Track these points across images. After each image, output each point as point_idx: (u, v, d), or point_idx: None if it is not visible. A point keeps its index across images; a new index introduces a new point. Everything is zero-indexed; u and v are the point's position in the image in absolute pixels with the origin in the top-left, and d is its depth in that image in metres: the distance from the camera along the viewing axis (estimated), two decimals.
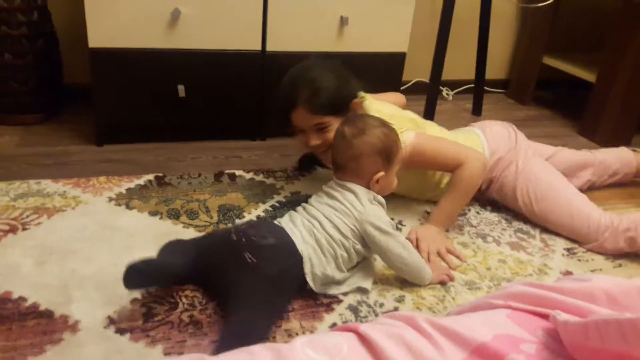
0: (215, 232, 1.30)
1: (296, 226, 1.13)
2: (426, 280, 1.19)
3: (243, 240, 1.05)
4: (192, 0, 1.62)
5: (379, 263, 1.25)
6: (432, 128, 1.53)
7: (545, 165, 1.52)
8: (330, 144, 1.27)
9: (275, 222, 1.18)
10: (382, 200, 1.20)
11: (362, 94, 1.42)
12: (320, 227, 1.13)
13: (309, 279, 1.09)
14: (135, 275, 0.99)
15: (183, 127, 1.83)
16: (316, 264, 1.10)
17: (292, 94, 1.33)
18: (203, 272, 1.09)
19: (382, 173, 1.18)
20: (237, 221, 1.38)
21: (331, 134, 1.28)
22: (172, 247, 1.10)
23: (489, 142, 1.53)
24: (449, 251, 1.32)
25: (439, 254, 1.30)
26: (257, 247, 1.05)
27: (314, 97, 1.31)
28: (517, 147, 1.53)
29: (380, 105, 1.41)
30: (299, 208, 1.22)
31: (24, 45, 1.72)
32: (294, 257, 1.08)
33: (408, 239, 1.30)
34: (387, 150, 1.18)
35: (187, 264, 1.08)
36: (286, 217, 1.19)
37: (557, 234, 1.46)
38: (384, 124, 1.21)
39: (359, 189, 1.17)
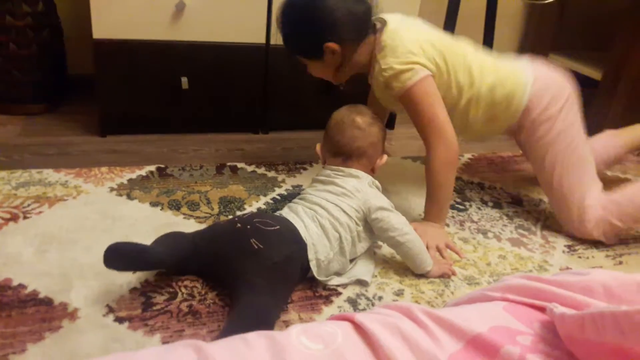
0: (218, 222, 1.30)
1: (298, 215, 1.15)
2: (427, 267, 1.19)
3: (248, 227, 1.07)
4: None
5: (379, 257, 1.25)
6: (464, 50, 1.41)
7: (586, 141, 1.43)
8: (317, 76, 1.43)
9: (276, 213, 1.19)
10: (379, 185, 1.26)
11: (382, 16, 1.38)
12: (324, 211, 1.15)
13: (312, 265, 1.10)
14: (113, 256, 0.99)
15: (186, 119, 1.84)
16: (320, 250, 1.11)
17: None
18: (207, 262, 1.09)
19: (385, 156, 1.29)
20: (238, 213, 1.38)
21: (313, 71, 1.42)
22: (167, 238, 1.10)
23: (538, 77, 1.40)
24: (448, 246, 1.32)
25: (437, 249, 1.30)
26: (263, 233, 1.06)
27: (284, 41, 1.38)
28: (567, 103, 1.39)
29: (400, 34, 1.33)
30: (298, 200, 1.23)
31: (28, 36, 1.73)
32: (298, 244, 1.09)
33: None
34: (384, 135, 1.33)
35: (176, 254, 1.07)
36: (286, 208, 1.21)
37: (559, 231, 1.45)
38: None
39: (362, 174, 1.23)
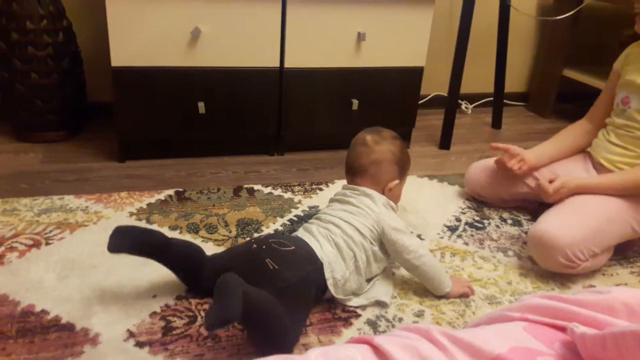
0: (236, 245, 1.30)
1: (313, 235, 1.15)
2: (445, 287, 1.18)
3: (263, 247, 1.08)
4: (212, 19, 1.66)
5: (398, 277, 1.25)
6: None
7: None
8: None
9: (292, 234, 1.19)
10: (394, 206, 1.26)
11: None
12: (339, 230, 1.15)
13: (329, 284, 1.09)
14: (119, 237, 1.01)
15: (203, 143, 1.86)
16: (336, 268, 1.10)
17: None
18: None
19: (397, 181, 1.25)
20: (255, 235, 1.39)
21: None
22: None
23: None
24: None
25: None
26: (278, 254, 1.06)
27: None
28: None
29: None
30: (313, 220, 1.23)
31: (49, 66, 1.78)
32: (314, 264, 1.09)
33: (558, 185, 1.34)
34: (403, 161, 1.28)
35: (180, 243, 1.08)
36: (301, 229, 1.21)
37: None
38: (400, 138, 1.30)
39: (375, 193, 1.23)
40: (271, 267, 1.03)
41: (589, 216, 1.28)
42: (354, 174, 1.28)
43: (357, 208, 1.19)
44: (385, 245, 1.17)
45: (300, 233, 1.18)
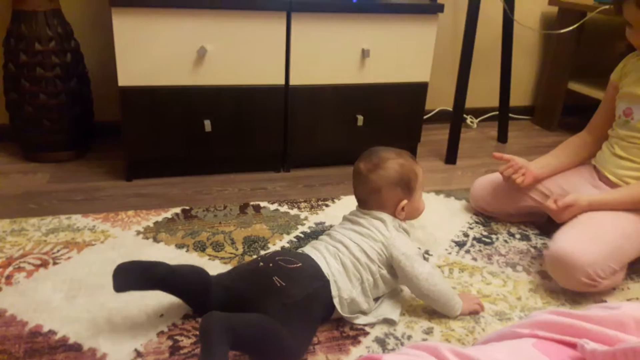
0: (242, 263, 1.30)
1: (320, 252, 1.14)
2: (456, 311, 1.16)
3: (270, 265, 1.07)
4: (217, 38, 1.68)
5: (406, 294, 1.24)
6: None
7: None
8: None
9: (299, 250, 1.19)
10: (407, 228, 1.23)
11: None
12: (346, 250, 1.14)
13: (336, 302, 1.09)
14: (122, 276, 1.00)
15: (209, 161, 1.87)
16: (343, 287, 1.10)
17: None
18: (230, 301, 1.08)
19: (405, 201, 1.21)
20: (262, 252, 1.38)
21: None
22: (185, 265, 1.11)
23: None
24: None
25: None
26: (285, 271, 1.06)
27: None
28: None
29: None
30: (323, 236, 1.22)
31: (57, 86, 1.80)
32: (320, 281, 1.08)
33: (570, 200, 1.32)
34: (405, 180, 1.21)
35: (184, 273, 1.06)
36: (308, 246, 1.20)
37: None
38: (398, 154, 1.23)
39: (386, 217, 1.20)
40: (278, 285, 1.03)
41: (607, 233, 1.26)
42: (359, 201, 1.26)
43: (366, 230, 1.17)
44: (395, 270, 1.16)
45: (308, 249, 1.17)
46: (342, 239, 1.17)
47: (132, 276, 1.02)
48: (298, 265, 1.08)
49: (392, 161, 1.21)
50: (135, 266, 1.03)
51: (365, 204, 1.23)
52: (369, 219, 1.20)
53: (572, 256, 1.22)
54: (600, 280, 1.23)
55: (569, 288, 1.27)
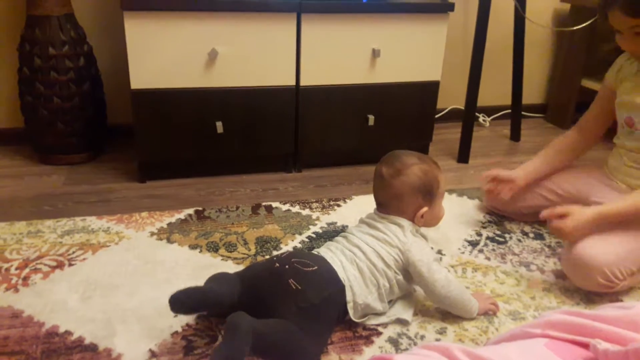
0: (257, 263, 1.31)
1: (336, 255, 1.14)
2: (473, 313, 1.15)
3: (287, 267, 1.07)
4: (228, 41, 1.68)
5: (419, 294, 1.23)
6: None
7: None
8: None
9: (314, 252, 1.18)
10: (425, 233, 1.22)
11: None
12: (363, 255, 1.13)
13: (349, 307, 1.09)
14: (178, 304, 1.00)
15: (221, 162, 1.88)
16: (358, 293, 1.09)
17: None
18: (247, 303, 1.08)
19: (425, 209, 1.19)
20: (275, 252, 1.39)
21: None
22: (218, 278, 1.11)
23: None
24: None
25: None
26: (301, 274, 1.05)
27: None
28: None
29: None
30: (339, 238, 1.22)
31: (71, 89, 1.82)
32: (336, 285, 1.08)
33: (563, 210, 1.25)
34: (427, 186, 1.19)
35: (232, 292, 1.07)
36: (324, 247, 1.20)
37: None
38: (421, 159, 1.20)
39: (405, 222, 1.18)
40: (294, 287, 1.03)
41: (626, 234, 1.24)
42: (379, 205, 1.24)
43: (383, 235, 1.16)
44: (411, 275, 1.15)
45: (323, 251, 1.17)
46: (358, 243, 1.16)
47: (188, 305, 1.02)
48: (314, 268, 1.08)
49: (415, 167, 1.18)
50: (192, 295, 1.02)
51: (385, 208, 1.22)
52: (386, 224, 1.18)
53: (589, 258, 1.21)
54: (617, 282, 1.22)
55: (586, 289, 1.26)
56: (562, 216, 1.24)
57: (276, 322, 0.98)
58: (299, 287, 1.03)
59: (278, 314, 1.01)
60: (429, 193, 1.19)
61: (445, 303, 1.14)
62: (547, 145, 1.56)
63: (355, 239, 1.17)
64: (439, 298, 1.13)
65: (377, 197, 1.23)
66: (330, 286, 1.07)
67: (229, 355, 0.87)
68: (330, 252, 1.15)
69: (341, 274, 1.09)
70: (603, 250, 1.21)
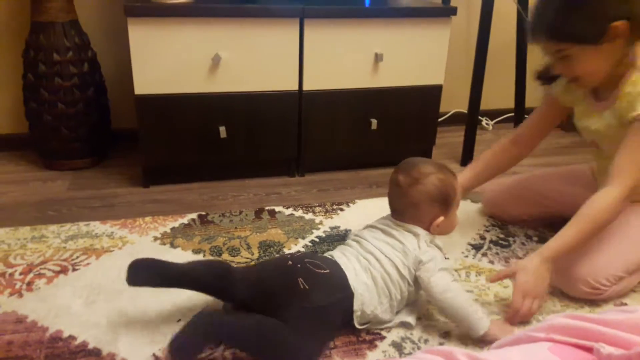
0: (270, 259, 1.32)
1: (350, 261, 1.12)
2: (479, 330, 1.09)
3: (299, 266, 1.07)
4: (232, 46, 1.69)
5: (423, 298, 1.23)
6: None
7: None
8: (578, 76, 1.18)
9: (328, 255, 1.17)
10: (439, 243, 1.19)
11: None
12: (378, 264, 1.11)
13: (356, 315, 1.08)
14: (137, 272, 1.05)
15: (225, 167, 1.88)
16: (367, 302, 1.08)
17: (538, 13, 1.18)
18: (255, 296, 1.08)
19: (441, 218, 1.17)
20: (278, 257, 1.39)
21: (577, 66, 1.16)
22: (206, 263, 1.15)
23: None
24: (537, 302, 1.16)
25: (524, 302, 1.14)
26: (312, 275, 1.05)
27: (555, 21, 1.14)
28: None
29: None
30: (353, 242, 1.19)
31: (75, 95, 1.83)
32: (345, 292, 1.07)
33: (507, 271, 1.19)
34: (444, 196, 1.16)
35: (198, 268, 1.09)
36: (338, 250, 1.18)
37: None
38: (438, 168, 1.18)
39: (421, 231, 1.16)
40: (301, 287, 1.03)
41: (609, 241, 1.23)
42: (395, 212, 1.21)
43: (400, 244, 1.14)
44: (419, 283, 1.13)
45: (337, 255, 1.15)
46: (373, 251, 1.13)
47: (146, 273, 1.05)
48: (326, 272, 1.07)
49: (433, 176, 1.16)
50: (151, 264, 1.06)
51: (401, 215, 1.19)
52: (402, 232, 1.16)
53: (569, 268, 1.21)
54: (604, 288, 1.21)
55: (575, 296, 1.25)
56: (510, 275, 1.18)
57: (259, 322, 0.99)
58: (307, 288, 1.03)
59: (281, 311, 1.01)
60: (445, 202, 1.17)
61: (446, 312, 1.11)
62: (477, 158, 1.51)
63: (370, 245, 1.15)
64: (436, 302, 1.11)
65: (393, 204, 1.21)
66: (338, 292, 1.06)
67: (177, 347, 0.94)
68: (345, 258, 1.13)
69: (352, 281, 1.08)
70: (586, 260, 1.21)
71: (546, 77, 1.33)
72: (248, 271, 1.13)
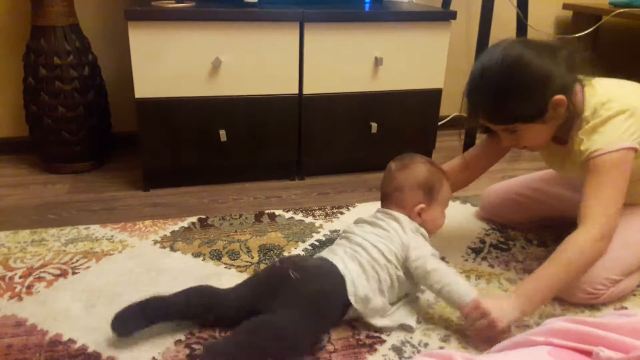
0: (259, 271, 1.31)
1: (337, 254, 1.16)
2: (466, 298, 1.08)
3: (287, 262, 1.11)
4: (232, 50, 1.69)
5: (423, 302, 1.23)
6: None
7: None
8: (526, 146, 1.22)
9: (315, 255, 1.22)
10: (425, 233, 1.25)
11: (585, 79, 1.19)
12: (364, 252, 1.15)
13: (352, 300, 1.09)
14: (122, 323, 1.05)
15: (224, 170, 1.88)
16: (358, 286, 1.10)
17: (472, 101, 1.20)
18: (247, 304, 1.09)
19: (422, 205, 1.24)
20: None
21: (525, 139, 1.20)
22: (190, 289, 1.13)
23: None
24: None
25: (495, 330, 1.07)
26: (302, 266, 1.09)
27: (493, 109, 1.17)
28: None
29: (606, 89, 1.20)
30: (341, 240, 1.24)
31: (75, 99, 1.83)
32: (337, 279, 1.10)
33: (474, 306, 1.09)
34: (429, 184, 1.26)
35: (183, 301, 1.09)
36: (325, 250, 1.23)
37: None
38: (431, 163, 1.30)
39: (403, 217, 1.23)
40: (293, 277, 1.06)
41: None
42: (383, 199, 1.31)
43: (385, 232, 1.20)
44: (410, 272, 1.16)
45: (325, 253, 1.20)
46: (361, 242, 1.18)
47: (133, 321, 1.06)
48: (315, 263, 1.13)
49: (422, 165, 1.27)
50: (134, 310, 1.06)
51: (387, 202, 1.28)
52: (387, 221, 1.22)
53: None
54: (600, 292, 1.22)
55: (572, 302, 1.25)
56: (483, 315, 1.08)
57: (248, 326, 1.00)
58: (299, 277, 1.06)
59: (276, 304, 1.03)
60: (429, 191, 1.26)
61: (440, 296, 1.13)
62: None
63: (358, 237, 1.20)
64: (434, 291, 1.14)
65: (383, 189, 1.31)
66: (330, 279, 1.09)
67: None
68: (332, 254, 1.17)
69: (342, 270, 1.11)
70: None
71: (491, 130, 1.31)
72: (236, 286, 1.15)
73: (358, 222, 1.29)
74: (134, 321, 1.06)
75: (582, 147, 1.16)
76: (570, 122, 1.19)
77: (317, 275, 1.09)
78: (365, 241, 1.18)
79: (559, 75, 1.13)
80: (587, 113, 1.18)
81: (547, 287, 1.11)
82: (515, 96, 1.13)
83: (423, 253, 1.16)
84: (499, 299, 1.18)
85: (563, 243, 1.13)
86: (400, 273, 1.16)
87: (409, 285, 1.20)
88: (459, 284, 1.12)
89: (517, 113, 1.15)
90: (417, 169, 1.27)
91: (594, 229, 1.11)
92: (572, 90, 1.16)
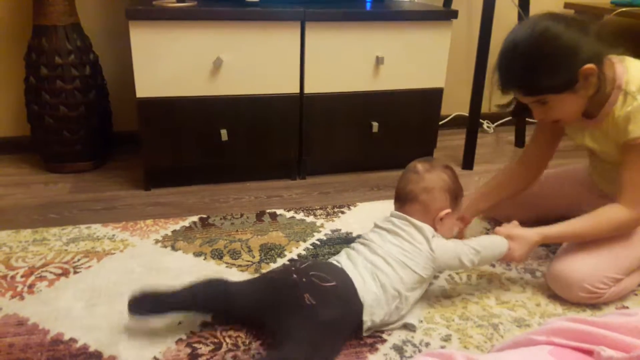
0: (274, 270, 1.30)
1: (357, 268, 1.11)
2: (503, 250, 1.20)
3: (304, 280, 1.05)
4: (233, 49, 1.69)
5: (424, 301, 1.23)
6: None
7: None
8: (558, 119, 1.22)
9: (334, 261, 1.16)
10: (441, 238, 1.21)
11: (614, 57, 1.20)
12: (388, 267, 1.11)
13: (366, 327, 1.08)
14: (138, 303, 1.06)
15: (226, 169, 1.89)
16: (377, 312, 1.08)
17: (503, 73, 1.19)
18: (257, 308, 1.08)
19: (448, 210, 1.20)
20: (280, 260, 1.39)
21: (556, 110, 1.18)
22: (205, 282, 1.12)
23: None
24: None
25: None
26: (318, 289, 1.04)
27: (523, 80, 1.16)
28: None
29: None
30: (359, 246, 1.18)
31: (77, 98, 1.83)
32: (354, 304, 1.06)
33: (504, 232, 1.24)
34: (456, 190, 1.24)
35: (200, 294, 1.08)
36: (344, 255, 1.18)
37: None
38: (451, 168, 1.26)
39: (425, 226, 1.17)
40: (308, 302, 1.01)
41: (602, 243, 1.23)
42: (404, 201, 1.22)
43: (409, 244, 1.14)
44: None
45: (344, 261, 1.14)
46: (383, 255, 1.13)
47: (148, 304, 1.07)
48: (332, 284, 1.06)
49: (449, 170, 1.25)
50: (150, 296, 1.07)
51: (412, 202, 1.20)
52: (408, 230, 1.16)
53: (568, 273, 1.22)
54: (601, 292, 1.22)
55: (573, 302, 1.25)
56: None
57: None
58: (314, 303, 1.01)
59: (289, 326, 1.01)
60: (454, 197, 1.23)
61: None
62: (489, 179, 1.52)
63: (378, 248, 1.15)
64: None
65: (404, 191, 1.22)
66: (347, 305, 1.06)
67: None
68: (350, 264, 1.12)
69: (361, 291, 1.07)
70: (580, 265, 1.22)
71: (521, 112, 1.32)
72: (250, 285, 1.12)
73: (375, 228, 1.22)
74: (150, 305, 1.06)
75: (631, 127, 1.15)
76: (603, 95, 1.19)
77: (333, 302, 1.03)
78: (385, 253, 1.13)
79: (588, 46, 1.12)
80: (633, 88, 1.16)
81: (569, 239, 1.25)
82: (544, 66, 1.12)
83: (453, 255, 1.16)
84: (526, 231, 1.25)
85: (602, 213, 1.20)
86: (421, 290, 1.16)
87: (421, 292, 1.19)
88: (491, 252, 1.19)
89: (547, 83, 1.13)
90: (445, 173, 1.23)
91: (636, 212, 1.17)
92: (602, 61, 1.15)
